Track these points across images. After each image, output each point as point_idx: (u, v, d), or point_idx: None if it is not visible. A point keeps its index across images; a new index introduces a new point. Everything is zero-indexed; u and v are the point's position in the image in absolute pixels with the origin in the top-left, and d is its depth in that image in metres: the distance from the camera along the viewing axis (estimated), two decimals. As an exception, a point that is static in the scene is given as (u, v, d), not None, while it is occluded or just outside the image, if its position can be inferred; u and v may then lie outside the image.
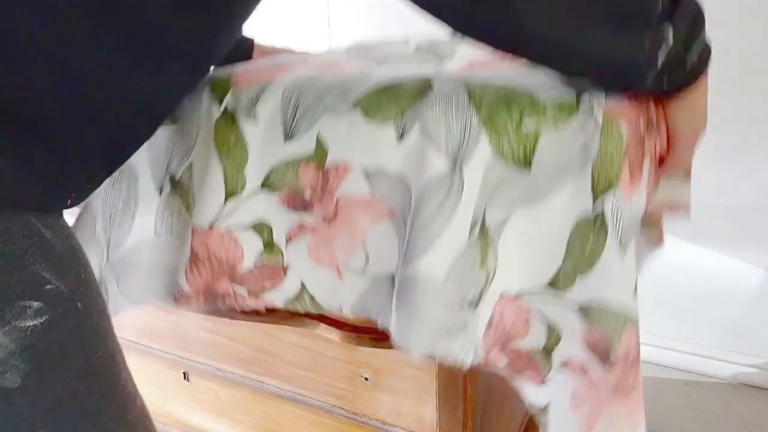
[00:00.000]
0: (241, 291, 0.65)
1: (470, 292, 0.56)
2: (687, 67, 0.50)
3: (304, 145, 0.58)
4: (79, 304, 0.52)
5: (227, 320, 0.91)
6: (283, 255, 0.63)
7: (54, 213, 0.53)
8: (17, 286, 0.48)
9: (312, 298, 0.65)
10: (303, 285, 0.64)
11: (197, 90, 0.63)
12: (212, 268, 0.64)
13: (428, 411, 0.79)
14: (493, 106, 0.53)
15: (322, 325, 0.78)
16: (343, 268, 0.61)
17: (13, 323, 0.48)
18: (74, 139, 0.51)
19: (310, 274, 0.63)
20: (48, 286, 0.50)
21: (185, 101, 0.62)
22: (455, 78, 0.57)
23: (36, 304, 0.49)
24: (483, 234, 0.56)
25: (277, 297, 0.65)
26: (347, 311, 0.64)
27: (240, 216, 0.61)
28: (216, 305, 0.67)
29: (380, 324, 0.63)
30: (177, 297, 0.67)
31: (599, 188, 0.53)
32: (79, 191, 0.55)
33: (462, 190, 0.53)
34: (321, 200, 0.59)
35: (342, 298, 0.63)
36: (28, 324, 0.48)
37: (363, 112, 0.56)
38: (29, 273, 0.49)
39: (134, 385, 0.61)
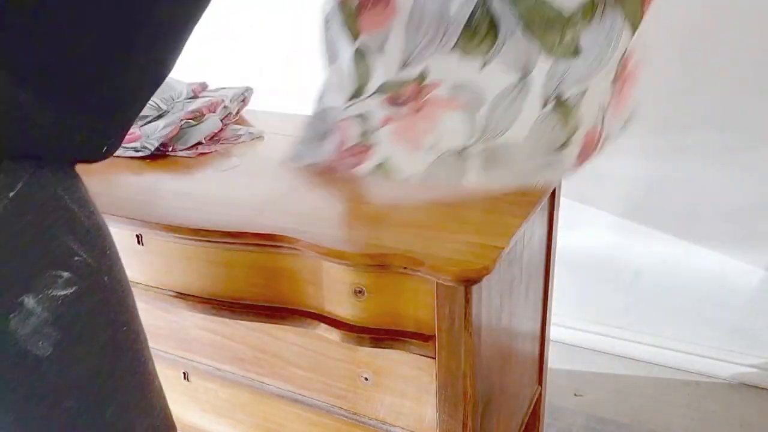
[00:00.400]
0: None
1: (555, 143, 0.80)
2: None
3: (412, 73, 0.77)
4: (105, 278, 0.53)
5: (227, 320, 0.91)
6: (373, 137, 0.82)
7: (77, 182, 0.54)
8: (49, 255, 0.49)
9: (389, 168, 0.82)
10: (385, 159, 0.82)
11: None
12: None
13: (428, 411, 0.79)
14: (542, 30, 0.73)
15: (322, 325, 0.78)
16: (419, 145, 0.80)
17: (46, 292, 0.49)
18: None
19: (391, 151, 0.81)
20: (76, 258, 0.51)
21: None
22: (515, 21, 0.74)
23: (66, 275, 0.50)
24: (560, 106, 0.78)
25: (364, 167, 0.82)
26: (416, 179, 0.82)
27: (354, 110, 0.80)
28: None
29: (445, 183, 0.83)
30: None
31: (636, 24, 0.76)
32: (115, 138, 0.56)
33: (529, 89, 0.75)
34: (414, 99, 0.78)
35: (414, 168, 0.81)
36: (59, 293, 0.49)
37: (461, 52, 0.74)
38: (59, 243, 0.50)
39: (154, 368, 0.62)
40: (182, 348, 1.00)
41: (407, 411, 0.81)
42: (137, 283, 0.93)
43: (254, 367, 0.93)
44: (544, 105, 0.78)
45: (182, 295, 0.88)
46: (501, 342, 0.87)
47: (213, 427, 1.05)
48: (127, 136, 1.14)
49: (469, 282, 0.66)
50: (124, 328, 0.56)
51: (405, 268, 0.69)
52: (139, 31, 0.51)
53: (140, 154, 1.04)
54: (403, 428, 0.83)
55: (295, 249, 0.75)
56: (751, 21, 1.25)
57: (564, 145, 0.81)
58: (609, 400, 1.46)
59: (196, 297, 0.87)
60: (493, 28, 0.75)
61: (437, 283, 0.69)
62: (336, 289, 0.76)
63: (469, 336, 0.71)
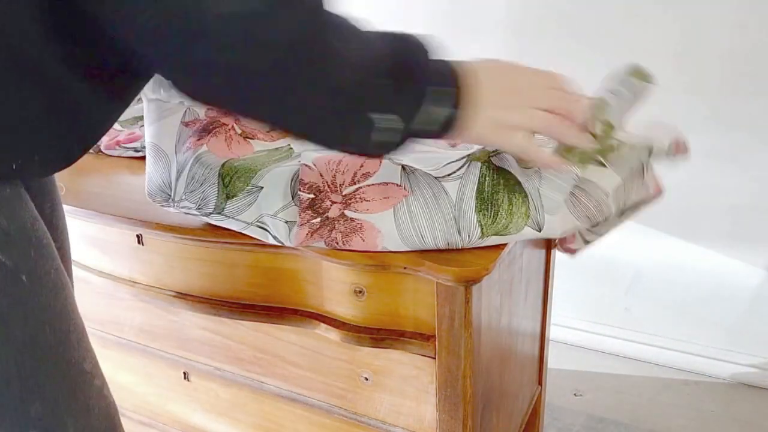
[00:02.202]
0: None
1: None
2: (433, 129, 0.55)
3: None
4: (23, 277, 0.54)
5: (227, 320, 0.91)
6: None
7: (9, 192, 0.55)
8: None
9: None
10: None
11: None
12: None
13: (428, 411, 0.79)
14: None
15: (322, 325, 0.78)
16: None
17: None
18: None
19: None
20: None
21: None
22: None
23: None
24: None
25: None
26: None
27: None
28: None
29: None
30: None
31: None
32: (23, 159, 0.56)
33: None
34: None
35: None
36: None
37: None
38: None
39: (96, 367, 0.63)
40: (182, 348, 1.00)
41: (407, 411, 0.81)
42: (137, 283, 0.93)
43: (254, 367, 0.93)
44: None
45: (182, 295, 0.88)
46: (501, 342, 0.87)
47: (213, 427, 1.05)
48: (127, 136, 1.15)
49: (469, 282, 0.66)
50: (47, 328, 0.56)
51: (405, 268, 0.69)
52: None
53: (140, 154, 1.04)
54: (403, 428, 0.83)
55: (295, 249, 0.75)
56: (751, 21, 1.25)
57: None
58: (609, 400, 1.46)
59: (196, 297, 0.87)
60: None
61: (437, 283, 0.69)
62: (336, 289, 0.76)
63: (469, 336, 0.71)
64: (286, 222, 0.72)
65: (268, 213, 0.73)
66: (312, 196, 0.71)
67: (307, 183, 0.71)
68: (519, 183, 0.67)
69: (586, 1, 1.39)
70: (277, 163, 0.76)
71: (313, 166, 0.72)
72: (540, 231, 0.67)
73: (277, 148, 0.81)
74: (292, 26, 0.46)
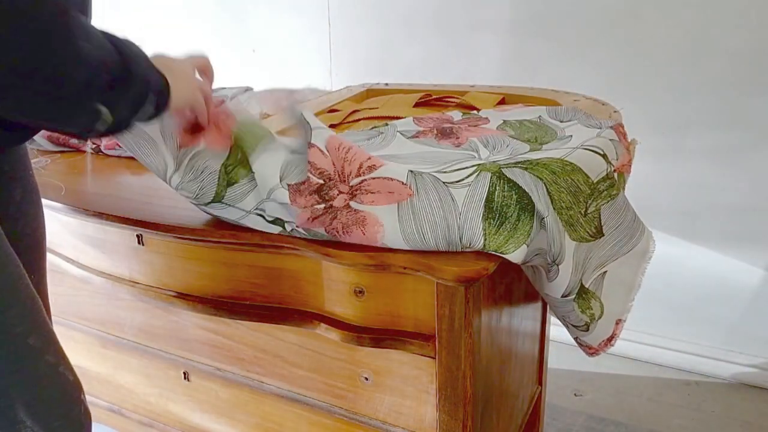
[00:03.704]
0: None
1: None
2: (138, 121, 0.64)
3: None
4: None
5: (227, 320, 0.91)
6: None
7: None
8: None
9: None
10: None
11: None
12: None
13: (428, 411, 0.79)
14: (565, 204, 0.70)
15: (323, 325, 0.78)
16: None
17: None
18: None
19: None
20: None
21: None
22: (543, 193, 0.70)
23: None
24: (580, 295, 0.78)
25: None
26: None
27: None
28: None
29: None
30: None
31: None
32: None
33: (558, 275, 0.73)
34: None
35: None
36: None
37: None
38: None
39: (52, 352, 0.67)
40: (182, 348, 1.00)
41: (407, 411, 0.81)
42: (137, 283, 0.93)
43: (254, 367, 0.93)
44: (565, 295, 0.77)
45: (182, 295, 0.88)
46: (501, 342, 0.87)
47: (213, 427, 1.05)
48: (126, 136, 1.14)
49: (469, 282, 0.66)
50: None
51: (405, 268, 0.69)
52: None
53: (140, 154, 1.04)
54: (403, 428, 0.83)
55: (295, 249, 0.75)
56: (751, 21, 1.25)
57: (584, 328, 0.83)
58: (609, 400, 1.46)
59: (197, 297, 0.87)
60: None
61: (437, 283, 0.69)
62: (336, 289, 0.76)
63: (469, 336, 0.71)
64: (280, 204, 0.72)
65: (263, 197, 0.73)
66: (321, 182, 0.71)
67: (319, 168, 0.71)
68: (532, 203, 0.68)
69: (587, 1, 1.39)
70: (266, 143, 0.77)
71: (327, 153, 0.72)
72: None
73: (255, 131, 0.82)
74: (41, 19, 0.52)
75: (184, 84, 0.70)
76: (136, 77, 0.61)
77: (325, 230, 0.71)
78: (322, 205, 0.71)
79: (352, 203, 0.70)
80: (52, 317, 0.82)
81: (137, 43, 0.64)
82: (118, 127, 0.62)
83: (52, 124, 0.62)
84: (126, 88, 0.60)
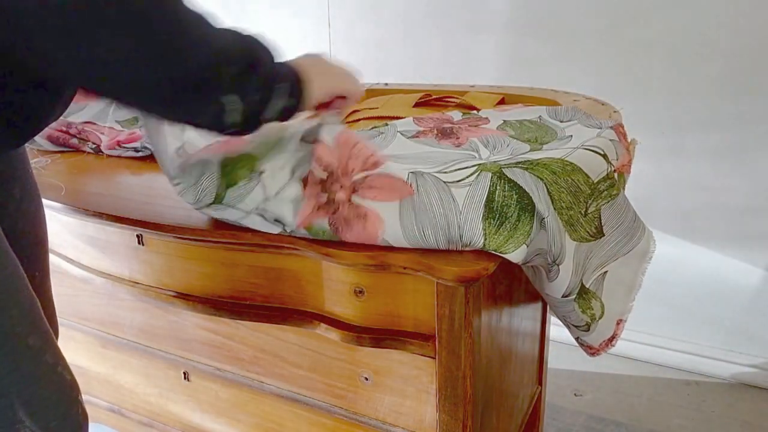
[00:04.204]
0: None
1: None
2: (270, 116, 0.65)
3: None
4: None
5: (227, 320, 0.91)
6: None
7: None
8: None
9: None
10: None
11: None
12: None
13: (428, 411, 0.79)
14: (565, 204, 0.70)
15: (323, 325, 0.78)
16: None
17: None
18: None
19: None
20: None
21: None
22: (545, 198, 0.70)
23: None
24: (581, 295, 0.78)
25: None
26: None
27: None
28: None
29: None
30: None
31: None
32: None
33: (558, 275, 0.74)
34: None
35: None
36: None
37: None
38: None
39: (51, 352, 0.68)
40: (182, 348, 1.00)
41: (407, 411, 0.81)
42: (137, 283, 0.93)
43: (254, 367, 0.93)
44: (566, 295, 0.77)
45: (183, 295, 0.88)
46: (501, 342, 0.87)
47: (213, 426, 1.05)
48: (127, 136, 1.15)
49: (469, 282, 0.66)
50: None
51: (405, 268, 0.69)
52: None
53: (140, 154, 1.04)
54: (403, 428, 0.83)
55: (295, 249, 0.75)
56: (750, 21, 1.25)
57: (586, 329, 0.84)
58: (609, 400, 1.46)
59: (197, 297, 0.87)
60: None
61: (437, 283, 0.69)
62: (336, 289, 0.76)
63: (469, 336, 0.71)
64: (291, 201, 0.73)
65: (270, 195, 0.74)
66: (325, 175, 0.71)
67: (324, 162, 0.72)
68: (533, 203, 0.68)
69: (587, 2, 1.39)
70: (279, 149, 0.77)
71: (333, 148, 0.72)
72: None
73: (270, 140, 0.82)
74: (163, 17, 0.54)
75: (325, 77, 0.71)
76: (262, 67, 0.62)
77: (329, 221, 0.71)
78: (326, 196, 0.71)
79: (354, 198, 0.70)
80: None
81: (266, 40, 0.65)
82: (251, 120, 0.63)
83: (184, 117, 0.62)
84: (253, 75, 0.61)
